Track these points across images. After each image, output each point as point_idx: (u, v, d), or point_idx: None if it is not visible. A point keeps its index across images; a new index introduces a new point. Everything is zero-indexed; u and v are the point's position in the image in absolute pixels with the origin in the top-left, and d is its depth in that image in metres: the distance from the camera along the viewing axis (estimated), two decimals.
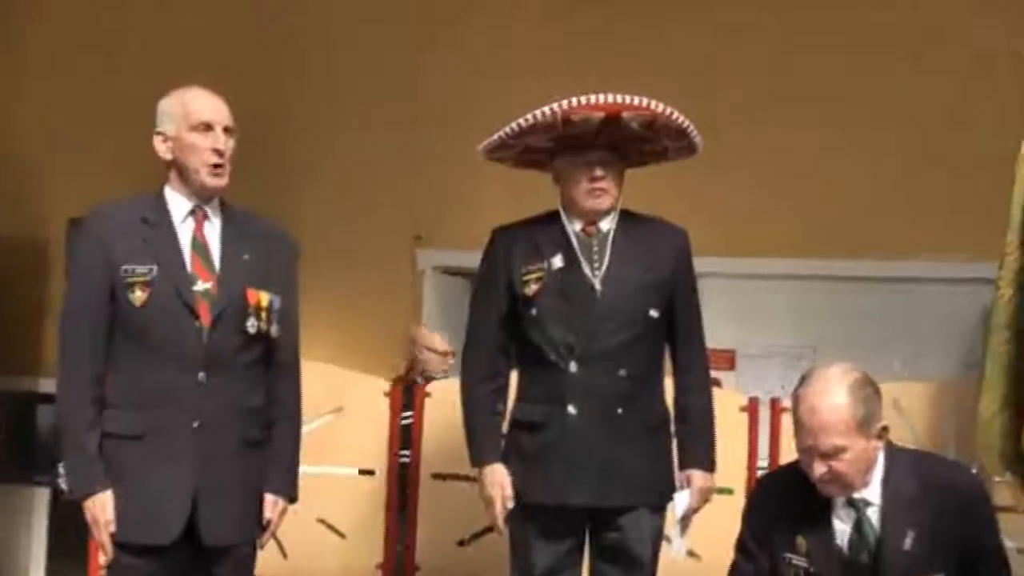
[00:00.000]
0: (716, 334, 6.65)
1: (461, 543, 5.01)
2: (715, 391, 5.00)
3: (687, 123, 3.89)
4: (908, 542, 3.18)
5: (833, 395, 3.17)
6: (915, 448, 3.64)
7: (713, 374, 6.52)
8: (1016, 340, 4.31)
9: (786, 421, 4.71)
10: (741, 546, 3.46)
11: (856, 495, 3.23)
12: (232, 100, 3.59)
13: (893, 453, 3.29)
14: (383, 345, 7.14)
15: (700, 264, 6.57)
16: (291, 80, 7.63)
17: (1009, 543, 4.29)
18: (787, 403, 4.72)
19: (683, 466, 3.93)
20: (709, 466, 3.94)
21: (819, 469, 3.17)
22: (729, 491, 4.78)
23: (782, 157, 6.68)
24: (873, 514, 3.23)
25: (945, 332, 6.10)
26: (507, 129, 3.86)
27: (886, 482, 3.24)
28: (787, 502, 3.31)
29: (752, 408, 4.91)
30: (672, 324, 3.96)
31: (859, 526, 3.22)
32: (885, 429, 3.25)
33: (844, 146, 6.61)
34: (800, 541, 3.25)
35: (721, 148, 6.43)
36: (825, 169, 6.62)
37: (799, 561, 3.24)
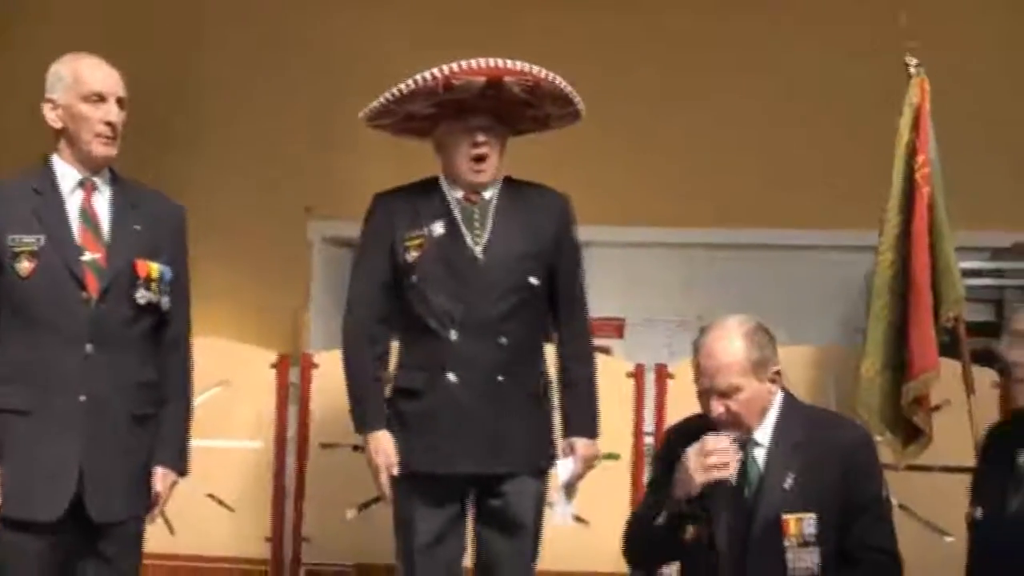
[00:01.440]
0: (605, 303, 6.75)
1: (356, 511, 5.00)
2: (602, 358, 5.05)
3: (570, 89, 3.89)
4: (788, 482, 3.31)
5: (729, 340, 3.36)
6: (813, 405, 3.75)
7: (602, 342, 6.63)
8: (896, 303, 4.41)
9: (671, 386, 4.79)
10: (648, 486, 3.63)
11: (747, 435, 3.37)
12: (123, 70, 3.54)
13: (790, 402, 3.46)
14: (275, 317, 7.10)
15: (589, 233, 6.60)
16: (183, 51, 7.51)
17: (892, 499, 4.45)
18: (673, 369, 4.82)
19: (566, 433, 3.95)
20: (592, 433, 3.96)
21: (717, 409, 3.34)
22: (616, 457, 4.84)
23: (670, 128, 6.73)
24: (760, 454, 3.37)
25: (829, 299, 6.21)
26: (388, 94, 3.81)
27: (777, 426, 3.39)
28: (688, 444, 3.41)
29: (638, 374, 4.96)
30: (554, 292, 3.96)
31: (745, 465, 3.35)
32: (778, 374, 3.42)
33: (729, 118, 6.67)
34: None
35: (610, 118, 6.50)
36: (712, 140, 6.68)
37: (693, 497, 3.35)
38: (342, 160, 6.99)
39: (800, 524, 3.29)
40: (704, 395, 3.38)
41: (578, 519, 4.62)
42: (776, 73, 6.68)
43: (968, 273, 5.99)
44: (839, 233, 6.10)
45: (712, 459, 3.25)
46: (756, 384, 3.35)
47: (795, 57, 6.71)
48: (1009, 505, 3.14)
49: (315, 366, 5.13)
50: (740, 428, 3.35)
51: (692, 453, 3.29)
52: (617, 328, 6.69)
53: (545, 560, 4.17)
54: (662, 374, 4.85)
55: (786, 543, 3.29)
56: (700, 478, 3.27)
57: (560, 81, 3.85)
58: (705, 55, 6.86)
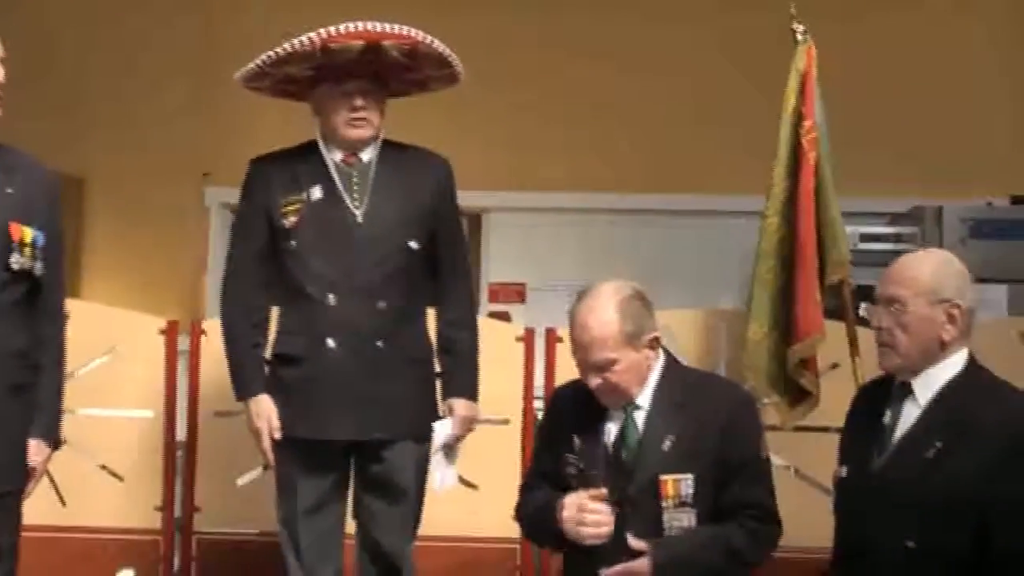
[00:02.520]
0: (506, 268, 6.78)
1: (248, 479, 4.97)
2: (491, 323, 5.05)
3: (448, 52, 3.87)
4: (667, 444, 3.33)
5: (601, 312, 3.32)
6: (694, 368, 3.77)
7: (503, 307, 6.65)
8: (782, 267, 4.44)
9: (561, 350, 4.79)
10: (535, 451, 3.64)
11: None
12: (12, 33, 3.45)
13: (670, 365, 3.46)
14: (173, 284, 7.03)
15: (491, 199, 6.67)
16: (77, 15, 7.39)
17: (779, 460, 4.49)
18: (562, 332, 4.81)
19: (446, 395, 3.94)
20: (472, 395, 3.96)
21: (594, 381, 3.34)
22: (506, 421, 4.84)
23: (571, 93, 6.72)
24: (640, 417, 3.39)
25: (727, 263, 6.22)
26: (264, 57, 3.77)
27: (657, 389, 3.40)
28: (573, 407, 3.47)
29: (528, 339, 4.95)
30: (435, 256, 3.94)
31: (625, 427, 3.38)
32: (656, 340, 3.41)
33: (630, 84, 6.67)
34: (577, 441, 3.40)
35: (510, 83, 6.50)
36: (613, 105, 6.67)
37: (573, 459, 3.38)
38: (240, 126, 6.91)
39: (678, 485, 3.31)
40: (581, 367, 3.38)
41: (468, 484, 4.65)
42: (670, 39, 6.68)
43: (867, 237, 6.08)
44: (737, 198, 6.12)
45: (587, 529, 3.28)
46: (632, 354, 3.34)
47: (687, 22, 6.70)
48: (873, 463, 3.16)
49: (203, 333, 5.06)
50: (621, 396, 3.36)
51: (569, 505, 3.30)
52: (518, 293, 6.69)
53: (434, 525, 4.18)
54: (552, 338, 4.84)
55: (663, 504, 3.31)
56: (572, 534, 3.30)
57: (438, 44, 3.83)
58: (600, 16, 6.83)
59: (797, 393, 4.44)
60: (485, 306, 6.66)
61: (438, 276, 3.97)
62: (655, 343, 3.41)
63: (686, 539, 3.31)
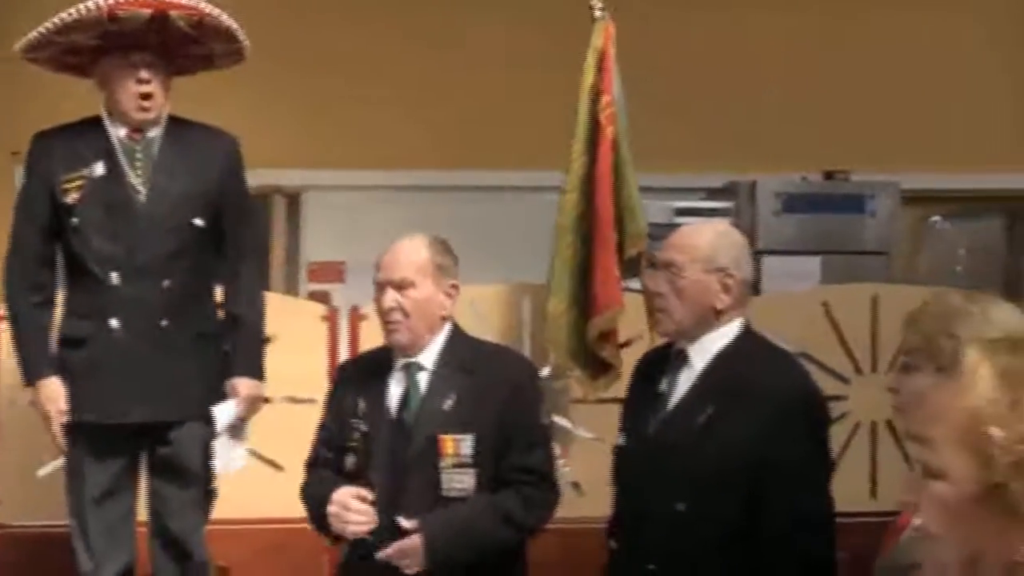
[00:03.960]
0: (325, 247, 6.72)
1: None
2: (296, 302, 5.02)
3: (235, 26, 3.83)
4: (448, 403, 3.39)
5: (413, 241, 3.48)
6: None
7: (322, 287, 6.60)
8: (581, 241, 4.47)
9: (365, 328, 4.76)
10: (321, 422, 3.65)
11: (411, 359, 3.43)
12: None
13: (458, 331, 3.53)
14: None
15: (308, 177, 6.61)
16: None
17: (587, 433, 4.54)
18: (366, 311, 4.79)
19: (230, 375, 3.90)
20: (257, 374, 3.92)
21: (388, 301, 3.40)
22: (311, 401, 4.79)
23: (387, 71, 6.67)
24: (423, 378, 3.44)
25: (540, 238, 6.23)
26: (49, 24, 3.71)
27: (443, 351, 3.45)
28: (357, 375, 3.56)
29: (332, 318, 4.92)
30: (221, 235, 3.90)
31: (408, 389, 3.43)
32: (455, 287, 3.49)
33: (444, 61, 6.63)
34: (361, 404, 3.43)
35: (325, 62, 6.44)
36: (429, 83, 6.64)
37: (357, 423, 3.41)
38: (50, 103, 6.72)
39: (457, 444, 3.36)
40: (380, 287, 3.43)
41: (273, 464, 4.60)
42: (481, 16, 6.67)
43: (682, 212, 6.15)
44: (552, 173, 6.13)
45: (349, 526, 3.31)
46: (432, 288, 3.42)
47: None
48: (649, 430, 3.21)
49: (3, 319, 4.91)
50: (407, 332, 3.40)
51: (336, 500, 3.32)
52: (337, 272, 6.65)
53: (239, 508, 4.13)
54: (355, 317, 4.81)
55: (441, 463, 3.35)
56: (337, 527, 3.33)
57: (225, 18, 3.79)
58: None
59: (599, 366, 4.48)
60: (305, 286, 6.61)
61: (224, 254, 3.92)
62: (453, 291, 3.48)
63: (457, 510, 3.34)
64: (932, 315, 2.70)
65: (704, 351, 3.19)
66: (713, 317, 3.19)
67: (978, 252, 7.96)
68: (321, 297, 6.09)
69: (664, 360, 3.30)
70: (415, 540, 3.28)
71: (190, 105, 3.99)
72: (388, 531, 3.31)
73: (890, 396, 3.02)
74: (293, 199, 6.63)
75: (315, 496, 3.46)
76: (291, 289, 6.64)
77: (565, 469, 4.52)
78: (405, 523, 3.29)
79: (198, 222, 3.79)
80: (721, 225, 3.48)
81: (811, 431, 3.10)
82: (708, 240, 3.26)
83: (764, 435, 3.01)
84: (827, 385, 5.00)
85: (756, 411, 3.04)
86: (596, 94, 4.46)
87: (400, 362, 3.48)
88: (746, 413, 3.04)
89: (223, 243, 3.90)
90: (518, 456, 3.39)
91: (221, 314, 3.93)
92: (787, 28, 6.86)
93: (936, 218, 8.43)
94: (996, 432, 1.42)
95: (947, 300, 2.70)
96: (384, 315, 3.42)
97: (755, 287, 5.89)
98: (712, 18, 6.77)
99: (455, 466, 3.34)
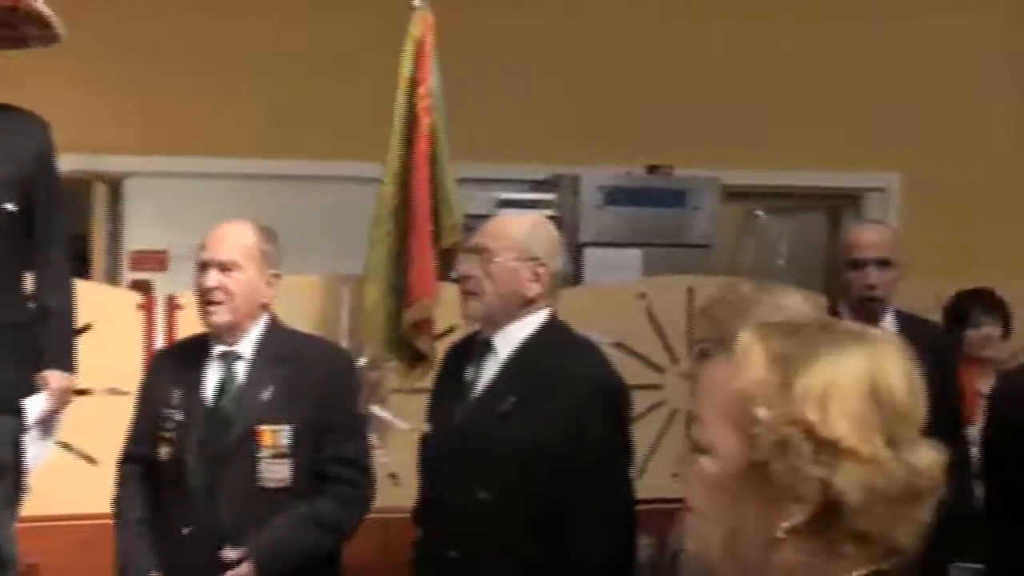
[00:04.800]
0: (147, 235, 6.61)
1: None
2: (111, 291, 4.94)
3: (50, 13, 3.76)
4: (267, 394, 3.38)
5: (241, 226, 3.52)
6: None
7: (143, 275, 6.49)
8: (397, 231, 4.49)
9: (182, 317, 4.71)
10: (134, 416, 3.64)
11: (228, 348, 3.43)
12: None
13: (275, 321, 3.53)
14: None
15: (130, 164, 6.48)
16: None
17: (403, 424, 4.55)
18: (183, 299, 4.74)
19: (40, 367, 3.79)
20: (67, 366, 3.83)
21: (211, 280, 3.39)
22: (126, 393, 4.73)
23: (210, 58, 6.58)
24: (241, 367, 3.43)
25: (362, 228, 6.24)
26: None
27: (261, 340, 3.45)
28: (172, 364, 3.54)
29: (148, 306, 4.84)
30: (32, 222, 3.80)
31: (225, 378, 3.42)
32: (277, 276, 3.50)
33: (265, 47, 6.56)
34: (176, 394, 3.42)
35: (147, 47, 6.32)
36: (251, 70, 6.56)
37: (170, 412, 3.41)
38: None
39: (275, 435, 3.36)
40: (203, 267, 3.43)
41: (87, 458, 4.53)
42: (297, 5, 6.62)
43: (506, 203, 6.19)
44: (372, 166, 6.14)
45: None
46: (256, 273, 3.42)
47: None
48: (454, 418, 3.24)
49: None
50: (227, 316, 3.39)
51: None
52: (159, 261, 6.54)
53: (52, 503, 4.06)
54: (172, 305, 4.75)
55: (260, 454, 3.35)
56: None
57: (40, 4, 3.71)
58: None
59: (414, 356, 4.50)
60: (127, 275, 6.49)
61: (34, 241, 3.84)
62: (275, 280, 3.49)
63: (278, 529, 3.35)
64: (726, 304, 2.79)
65: (509, 340, 3.23)
66: (521, 305, 3.24)
67: (800, 247, 8.17)
68: (142, 286, 5.99)
69: (471, 349, 3.33)
70: (244, 570, 3.28)
71: (7, 87, 3.90)
72: (214, 564, 3.28)
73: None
74: (115, 186, 6.50)
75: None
76: (113, 278, 6.51)
77: (383, 460, 4.53)
78: (231, 554, 3.28)
79: (9, 207, 3.71)
80: (537, 217, 3.55)
81: (612, 421, 3.17)
82: (523, 230, 3.31)
83: (565, 424, 3.06)
84: (643, 375, 5.14)
85: (558, 401, 3.09)
86: (413, 85, 4.48)
87: (217, 350, 3.47)
88: (548, 402, 3.09)
89: (31, 231, 3.82)
90: (335, 447, 3.40)
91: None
92: (613, 23, 6.94)
93: (759, 213, 8.63)
94: (762, 412, 1.47)
95: (739, 290, 2.80)
96: (205, 294, 3.41)
97: (577, 278, 6.00)
98: (537, 10, 6.81)
99: (273, 457, 3.34)
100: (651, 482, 3.96)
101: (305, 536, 3.36)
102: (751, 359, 1.50)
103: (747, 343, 1.52)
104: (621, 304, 5.42)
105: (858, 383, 1.47)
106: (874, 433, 1.46)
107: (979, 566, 4.18)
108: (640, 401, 4.09)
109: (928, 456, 1.49)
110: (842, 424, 1.45)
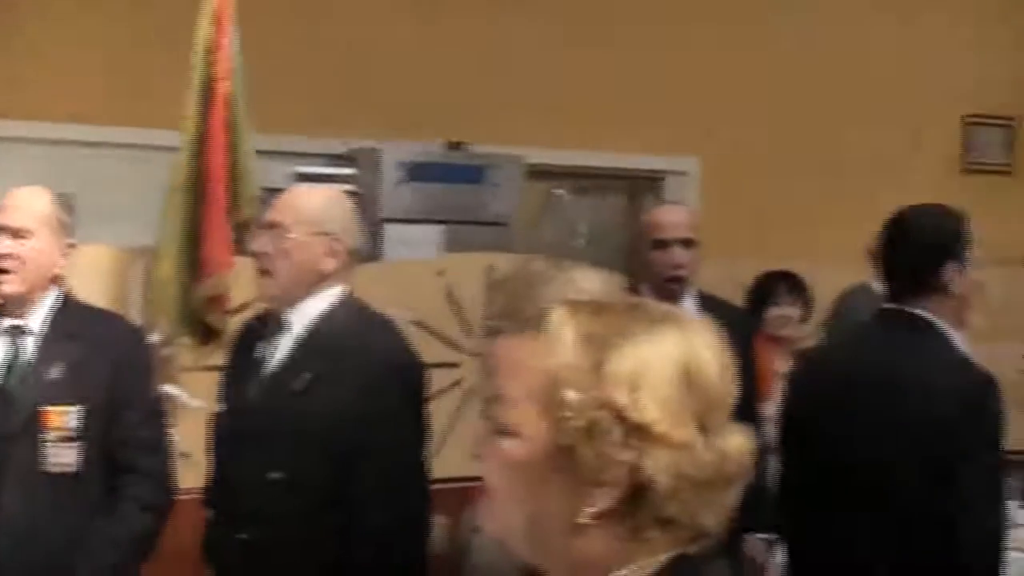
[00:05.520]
0: None
1: None
2: None
3: None
4: (55, 372, 3.24)
5: (35, 192, 3.37)
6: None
7: None
8: (192, 203, 4.34)
9: None
10: None
11: (16, 321, 3.29)
12: None
13: (68, 296, 3.39)
14: None
15: None
16: None
17: (196, 402, 4.39)
18: None
19: None
20: None
21: (2, 247, 3.23)
22: None
23: (14, 18, 6.30)
24: (29, 343, 3.29)
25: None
26: None
27: (52, 316, 3.31)
28: None
29: None
30: None
31: (12, 354, 3.28)
32: (72, 247, 3.38)
33: (74, 9, 6.31)
34: None
35: None
36: (64, 34, 6.30)
37: None
38: None
39: (62, 417, 3.22)
40: None
41: None
42: None
43: (303, 177, 6.06)
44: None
45: None
46: (50, 242, 3.30)
47: None
48: (246, 396, 3.14)
49: None
50: (20, 285, 3.25)
51: None
52: None
53: None
54: None
55: (46, 437, 3.20)
56: None
57: None
58: None
59: (207, 332, 4.36)
60: None
61: None
62: (69, 251, 3.37)
63: (106, 528, 3.23)
64: (518, 280, 2.75)
65: (304, 316, 3.15)
66: (316, 280, 3.15)
67: (600, 227, 8.23)
68: None
69: (264, 326, 3.23)
70: None
71: None
72: None
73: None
74: None
75: None
76: None
77: (174, 439, 4.39)
78: None
79: None
80: (332, 190, 3.45)
81: (407, 399, 3.11)
82: (317, 204, 3.22)
83: (359, 402, 3.00)
84: (442, 353, 5.10)
85: (352, 378, 3.03)
86: (210, 51, 4.34)
87: (4, 324, 3.32)
88: (342, 380, 3.03)
89: None
90: (130, 429, 3.26)
91: None
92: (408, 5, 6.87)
93: (559, 192, 8.67)
94: (571, 395, 1.42)
95: (532, 266, 2.76)
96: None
97: (376, 255, 5.92)
98: None
99: (59, 440, 3.19)
100: (448, 461, 3.92)
101: (127, 552, 3.26)
102: (561, 339, 1.45)
103: (557, 321, 1.46)
104: (420, 281, 5.38)
105: (670, 366, 1.44)
106: (686, 417, 1.43)
107: (771, 536, 4.29)
108: (438, 379, 4.05)
109: (738, 441, 1.47)
110: (653, 408, 1.41)
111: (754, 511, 4.32)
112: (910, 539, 3.02)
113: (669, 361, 1.44)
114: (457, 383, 5.13)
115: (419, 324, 5.17)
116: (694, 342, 1.47)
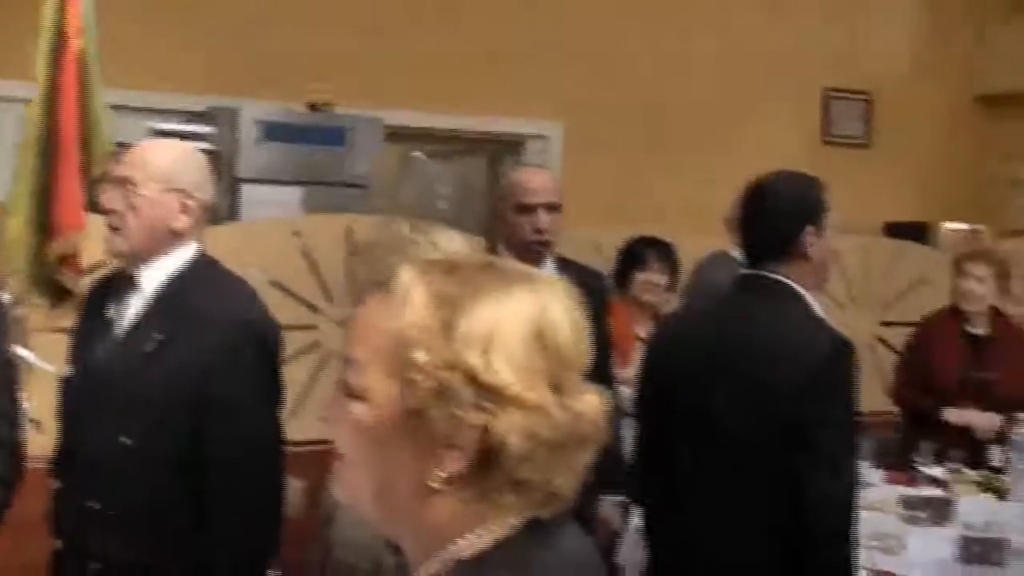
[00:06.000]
0: None
1: None
2: None
3: None
4: None
5: None
6: None
7: None
8: (44, 159, 4.23)
9: None
10: None
11: None
12: None
13: None
14: None
15: None
16: None
17: (46, 365, 4.30)
18: None
19: None
20: None
21: None
22: None
23: None
24: None
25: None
26: None
27: None
28: None
29: None
30: None
31: None
32: None
33: None
34: None
35: None
36: None
37: None
38: None
39: None
40: None
41: None
42: None
43: (162, 134, 5.94)
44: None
45: None
46: None
47: None
48: (95, 359, 3.07)
49: None
50: None
51: None
52: None
53: None
54: None
55: None
56: None
57: None
58: None
59: (59, 293, 4.26)
60: None
61: None
62: None
63: None
64: (379, 244, 2.72)
65: (155, 276, 3.06)
66: (169, 239, 3.07)
67: (461, 191, 8.23)
68: None
69: (114, 285, 3.15)
70: None
71: None
72: None
73: None
74: None
75: None
76: None
77: (24, 405, 4.28)
78: None
79: None
80: (184, 146, 3.32)
81: (261, 360, 3.04)
82: (168, 159, 3.13)
83: (212, 364, 2.94)
84: (299, 315, 5.05)
85: (205, 339, 2.96)
86: (62, 5, 4.22)
87: None
88: (195, 341, 2.96)
89: None
90: None
91: None
92: None
93: (418, 154, 8.64)
94: (420, 356, 1.40)
95: (394, 229, 2.74)
96: None
97: (234, 215, 5.84)
98: None
99: None
100: (305, 424, 3.88)
101: None
102: (411, 299, 1.43)
103: (407, 281, 1.44)
104: (277, 242, 5.33)
105: (523, 327, 1.42)
106: (539, 379, 1.42)
107: (623, 498, 4.33)
108: (295, 341, 4.02)
109: (591, 402, 1.46)
110: (506, 370, 1.40)
111: (610, 475, 4.40)
112: (767, 502, 3.06)
113: (522, 321, 1.42)
114: (314, 345, 5.09)
115: (276, 285, 5.12)
116: (547, 302, 1.45)
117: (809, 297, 3.19)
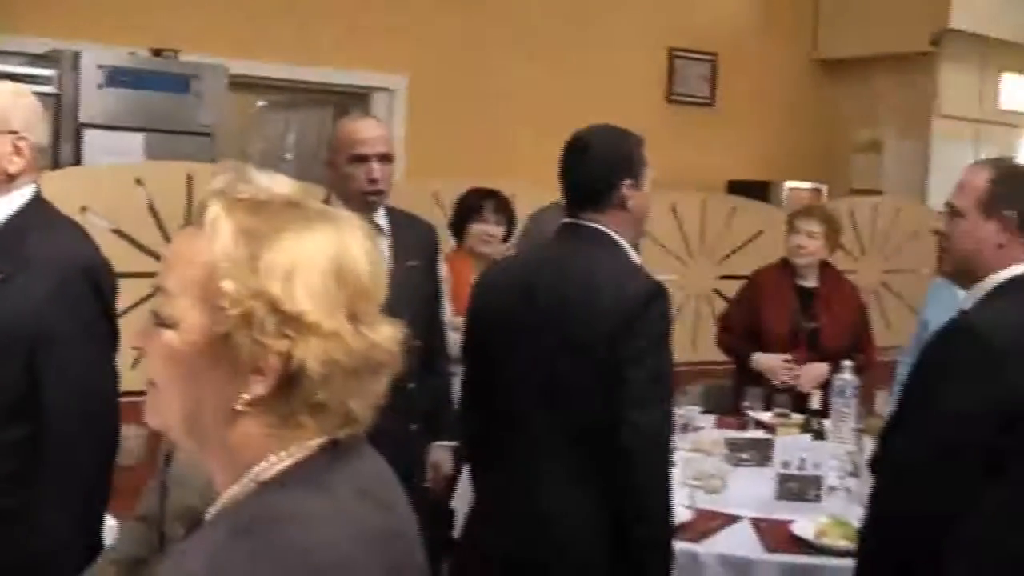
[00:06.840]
0: None
1: None
2: None
3: None
4: None
5: None
6: None
7: None
8: None
9: None
10: None
11: None
12: None
13: None
14: None
15: None
16: None
17: None
18: None
19: None
20: None
21: None
22: None
23: None
24: None
25: None
26: None
27: None
28: None
29: None
30: None
31: None
32: None
33: None
34: None
35: None
36: None
37: None
38: None
39: None
40: None
41: None
42: None
43: (6, 76, 5.87)
44: None
45: None
46: None
47: None
48: None
49: None
50: None
51: None
52: None
53: None
54: None
55: None
56: None
57: None
58: None
59: None
60: None
61: None
62: None
63: None
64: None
65: None
66: (4, 182, 3.08)
67: (307, 142, 8.25)
68: None
69: None
70: None
71: None
72: None
73: None
74: None
75: None
76: None
77: None
78: None
79: None
80: (15, 86, 3.30)
81: (93, 301, 3.07)
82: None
83: (44, 304, 2.96)
84: (140, 262, 5.07)
85: (40, 280, 2.98)
86: None
87: None
88: (30, 282, 2.97)
89: None
90: None
91: None
92: None
93: (263, 103, 8.64)
94: (228, 285, 1.49)
95: (230, 176, 2.79)
96: None
97: (76, 160, 5.80)
98: None
99: None
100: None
101: None
102: (219, 232, 1.52)
103: (215, 216, 1.54)
104: (119, 188, 5.32)
105: (323, 260, 1.53)
106: (336, 308, 1.52)
107: (454, 443, 4.44)
108: (135, 289, 4.04)
109: (386, 332, 1.58)
110: (305, 299, 1.50)
111: (436, 420, 4.49)
112: (583, 444, 3.16)
113: (322, 255, 1.53)
114: (153, 293, 5.10)
115: (118, 232, 5.13)
116: (346, 239, 1.56)
117: (627, 245, 3.32)
